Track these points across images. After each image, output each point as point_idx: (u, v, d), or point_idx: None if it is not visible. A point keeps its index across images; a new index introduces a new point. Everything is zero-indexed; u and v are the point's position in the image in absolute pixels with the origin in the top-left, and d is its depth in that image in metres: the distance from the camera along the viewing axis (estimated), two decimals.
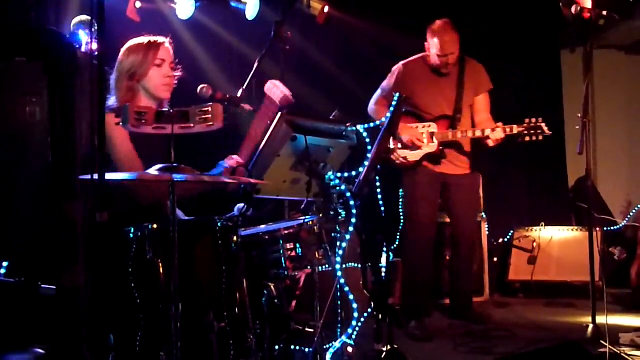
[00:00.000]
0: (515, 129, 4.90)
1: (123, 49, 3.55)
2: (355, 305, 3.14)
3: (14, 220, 3.34)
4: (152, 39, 3.56)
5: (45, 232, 3.05)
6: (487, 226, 6.31)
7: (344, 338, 3.15)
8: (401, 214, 5.38)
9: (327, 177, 3.16)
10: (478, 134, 4.96)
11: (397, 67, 5.21)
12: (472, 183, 5.30)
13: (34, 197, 3.39)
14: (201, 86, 3.47)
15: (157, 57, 3.51)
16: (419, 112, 5.11)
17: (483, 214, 6.29)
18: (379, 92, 5.25)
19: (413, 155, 5.06)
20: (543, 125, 4.86)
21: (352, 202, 3.10)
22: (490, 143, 4.96)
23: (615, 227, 6.46)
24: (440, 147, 5.04)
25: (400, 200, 5.40)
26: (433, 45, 5.01)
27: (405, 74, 5.14)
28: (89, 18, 4.45)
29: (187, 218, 3.48)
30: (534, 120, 4.90)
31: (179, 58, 3.66)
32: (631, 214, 6.31)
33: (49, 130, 2.51)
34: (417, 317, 4.88)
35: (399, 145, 5.06)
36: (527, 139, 4.92)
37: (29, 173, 3.44)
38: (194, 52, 5.64)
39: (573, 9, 4.53)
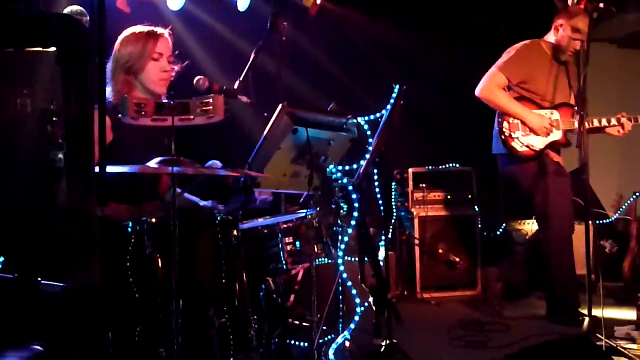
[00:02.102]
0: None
1: (120, 39, 3.48)
2: (358, 300, 3.10)
3: (7, 215, 3.28)
4: (151, 29, 3.49)
5: (42, 228, 2.99)
6: (479, 219, 6.30)
7: (346, 333, 3.11)
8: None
9: (328, 170, 3.12)
10: (614, 122, 5.01)
11: (517, 47, 5.04)
12: (567, 175, 5.09)
13: (28, 191, 3.32)
14: (197, 78, 3.39)
15: (155, 50, 3.45)
16: (535, 97, 4.99)
17: (476, 207, 6.29)
18: (494, 71, 4.97)
19: (539, 143, 4.93)
20: None
21: (354, 196, 3.06)
22: (617, 133, 5.04)
23: (607, 221, 6.47)
24: (566, 137, 4.98)
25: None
26: (567, 26, 4.91)
27: (528, 53, 5.00)
28: (80, 9, 4.38)
29: (204, 203, 3.43)
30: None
31: (172, 50, 3.60)
32: (623, 207, 6.31)
33: (48, 121, 2.44)
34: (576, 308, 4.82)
35: (523, 133, 4.93)
36: None
37: (21, 166, 3.37)
38: (185, 43, 5.57)
39: (570, 1, 4.50)
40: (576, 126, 4.76)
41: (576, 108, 4.83)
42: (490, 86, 4.92)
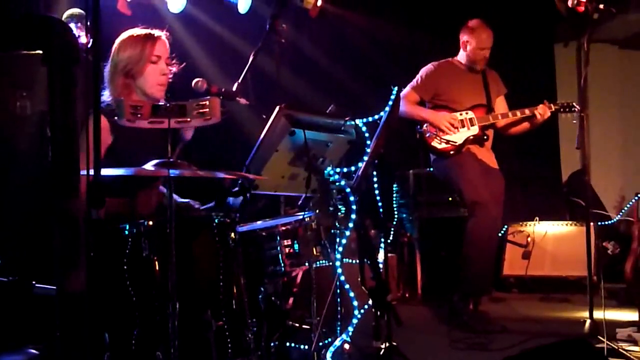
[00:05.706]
0: (554, 107, 5.28)
1: (118, 41, 3.47)
2: (355, 303, 3.09)
3: (4, 217, 3.28)
4: (149, 32, 3.47)
5: (40, 230, 2.99)
6: None
7: (344, 336, 3.10)
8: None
9: (326, 172, 3.11)
10: (519, 114, 5.26)
11: (426, 67, 5.39)
12: (501, 178, 5.31)
13: (26, 194, 3.32)
14: (196, 80, 3.38)
15: (153, 53, 3.43)
16: (451, 105, 5.29)
17: None
18: (408, 90, 5.32)
19: (457, 138, 5.21)
20: (574, 103, 5.27)
21: (351, 198, 3.05)
22: (539, 119, 5.23)
23: (609, 222, 6.45)
24: (482, 130, 5.26)
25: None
26: (472, 41, 5.26)
27: (435, 72, 5.35)
28: (81, 11, 4.38)
29: (182, 200, 3.42)
30: (565, 102, 5.33)
31: (171, 52, 3.59)
32: (625, 208, 6.29)
33: (48, 123, 2.44)
34: (478, 297, 5.12)
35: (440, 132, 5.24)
36: (563, 115, 5.34)
37: (19, 168, 3.37)
38: (186, 45, 5.58)
39: (569, 2, 4.49)
40: (491, 120, 5.27)
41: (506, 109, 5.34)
42: (404, 102, 5.24)
